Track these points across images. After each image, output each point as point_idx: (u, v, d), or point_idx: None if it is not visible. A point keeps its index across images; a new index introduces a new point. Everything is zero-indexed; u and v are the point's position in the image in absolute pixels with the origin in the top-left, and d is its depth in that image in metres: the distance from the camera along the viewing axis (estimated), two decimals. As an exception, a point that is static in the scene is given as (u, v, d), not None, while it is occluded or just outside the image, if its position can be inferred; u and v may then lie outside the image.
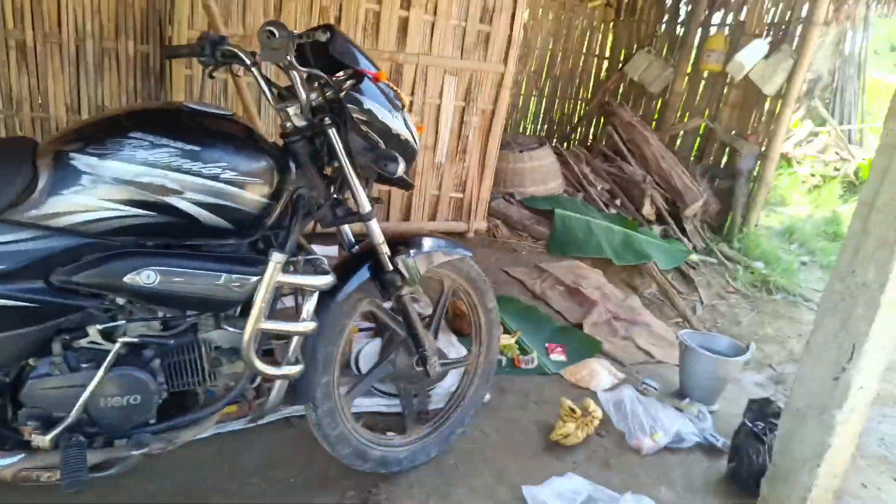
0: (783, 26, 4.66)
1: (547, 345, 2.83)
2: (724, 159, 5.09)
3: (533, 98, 6.63)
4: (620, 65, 6.09)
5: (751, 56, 4.58)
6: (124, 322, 1.39)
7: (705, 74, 5.26)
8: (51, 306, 1.29)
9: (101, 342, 1.37)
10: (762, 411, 2.16)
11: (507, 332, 2.79)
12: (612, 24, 6.33)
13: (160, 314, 1.44)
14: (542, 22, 6.31)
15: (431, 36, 3.51)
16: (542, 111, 6.70)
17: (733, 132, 4.97)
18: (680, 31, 5.60)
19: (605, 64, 6.45)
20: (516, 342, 2.74)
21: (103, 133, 1.30)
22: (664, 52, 5.69)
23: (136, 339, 1.38)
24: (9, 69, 2.94)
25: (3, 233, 1.24)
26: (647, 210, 4.64)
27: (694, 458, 2.24)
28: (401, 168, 1.48)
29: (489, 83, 3.75)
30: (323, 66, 1.55)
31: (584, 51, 6.55)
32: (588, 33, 6.50)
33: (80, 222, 1.28)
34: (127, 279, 1.30)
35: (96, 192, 1.27)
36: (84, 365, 1.35)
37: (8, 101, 2.99)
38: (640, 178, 4.80)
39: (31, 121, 3.05)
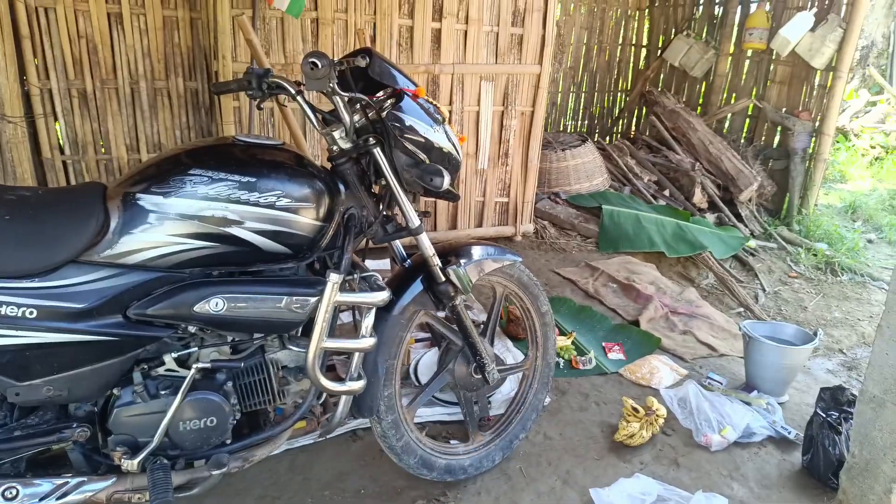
0: (829, -4, 4.48)
1: (604, 344, 2.80)
2: (777, 139, 4.93)
3: (571, 94, 6.58)
4: (659, 52, 5.97)
5: (796, 30, 4.42)
6: (197, 349, 1.46)
7: (749, 53, 5.11)
8: (130, 339, 1.38)
9: (177, 369, 1.45)
10: (835, 400, 2.08)
11: (562, 333, 2.78)
12: (646, 10, 6.22)
13: (229, 339, 1.51)
14: (574, 16, 6.25)
15: (465, 44, 3.55)
16: (581, 106, 6.64)
17: (783, 110, 4.80)
18: (718, 11, 5.46)
19: (643, 52, 6.34)
20: (572, 343, 2.73)
21: (165, 173, 1.38)
22: (703, 35, 5.55)
23: (208, 365, 1.46)
24: (73, 116, 3.14)
25: (82, 273, 1.33)
26: (699, 198, 4.53)
27: (766, 452, 2.18)
28: (446, 181, 1.51)
29: (526, 85, 3.75)
30: (363, 86, 1.60)
31: (620, 41, 6.46)
32: (623, 23, 6.41)
33: (151, 258, 1.36)
34: (197, 308, 1.37)
35: (163, 229, 1.34)
36: (163, 392, 1.43)
37: (74, 146, 3.19)
38: (688, 165, 4.69)
39: (95, 163, 3.25)
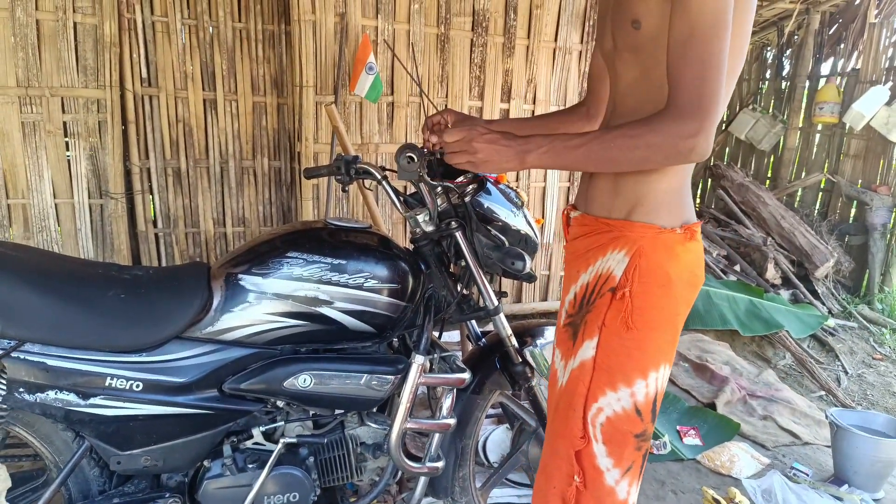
0: (902, 70, 4.41)
1: (678, 427, 2.70)
2: (852, 214, 4.76)
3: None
4: (724, 125, 5.97)
5: (870, 104, 4.35)
6: (283, 423, 1.52)
7: (819, 127, 5.04)
8: (223, 412, 1.45)
9: (264, 443, 1.50)
10: (942, 501, 1.91)
11: (634, 414, 2.69)
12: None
13: (311, 414, 1.56)
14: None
15: (531, 123, 3.66)
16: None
17: (859, 184, 4.67)
18: (785, 85, 5.45)
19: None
20: (645, 425, 2.63)
21: (265, 255, 1.48)
22: (770, 109, 5.53)
23: (294, 439, 1.50)
24: (167, 192, 3.41)
25: (185, 349, 1.42)
26: (772, 274, 4.39)
27: (865, 555, 2.01)
28: (528, 265, 1.55)
29: (591, 161, 3.82)
30: (444, 171, 1.69)
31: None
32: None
33: (248, 335, 1.44)
34: (287, 384, 1.44)
35: (261, 308, 1.43)
36: (250, 465, 1.48)
37: (166, 220, 3.44)
38: (759, 240, 4.57)
39: (184, 236, 3.48)
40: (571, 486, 1.17)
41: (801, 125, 5.20)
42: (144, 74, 3.23)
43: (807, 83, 5.16)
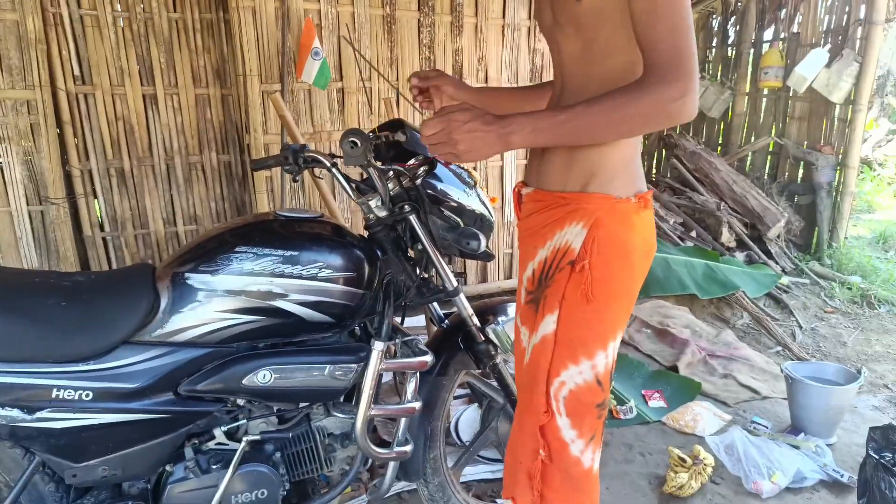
0: (841, 32, 4.54)
1: (643, 392, 2.76)
2: (800, 174, 4.91)
3: (588, 141, 6.67)
4: (673, 95, 6.06)
5: (811, 66, 4.47)
6: (245, 421, 1.49)
7: (765, 92, 5.16)
8: (181, 415, 1.40)
9: (227, 442, 1.47)
10: (887, 439, 2.00)
11: (600, 383, 2.74)
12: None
13: (275, 409, 1.53)
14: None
15: (484, 102, 3.65)
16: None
17: (805, 145, 4.81)
18: (731, 52, 5.55)
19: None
20: (611, 392, 2.68)
21: (212, 251, 1.43)
22: (718, 76, 5.63)
23: (258, 436, 1.47)
24: (112, 194, 3.28)
25: (135, 354, 1.37)
26: (727, 238, 4.50)
27: (819, 497, 2.11)
28: (482, 244, 1.54)
29: (545, 137, 3.83)
30: (394, 154, 1.66)
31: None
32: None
33: (200, 335, 1.40)
34: (245, 381, 1.40)
35: (212, 306, 1.39)
36: (214, 466, 1.45)
37: (113, 222, 3.32)
38: (713, 206, 4.68)
39: (134, 238, 3.37)
40: (536, 460, 1.19)
41: (747, 91, 5.32)
42: (77, 72, 3.09)
43: (751, 49, 5.27)
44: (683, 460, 2.14)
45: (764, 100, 5.22)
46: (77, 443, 1.33)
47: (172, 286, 1.39)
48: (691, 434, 2.47)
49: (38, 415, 1.29)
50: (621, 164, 1.13)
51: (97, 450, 1.35)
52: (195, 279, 1.39)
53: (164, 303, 1.38)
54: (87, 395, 1.32)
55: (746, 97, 5.33)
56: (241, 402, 1.48)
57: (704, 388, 2.80)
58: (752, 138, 5.29)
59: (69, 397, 1.30)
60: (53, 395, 1.29)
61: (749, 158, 5.32)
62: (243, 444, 1.44)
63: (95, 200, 3.29)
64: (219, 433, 1.47)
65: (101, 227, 3.33)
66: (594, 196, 1.12)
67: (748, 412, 2.66)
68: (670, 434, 2.49)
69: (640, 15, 0.99)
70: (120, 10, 3.13)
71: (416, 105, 1.47)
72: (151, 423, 1.38)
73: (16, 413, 1.27)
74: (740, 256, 4.38)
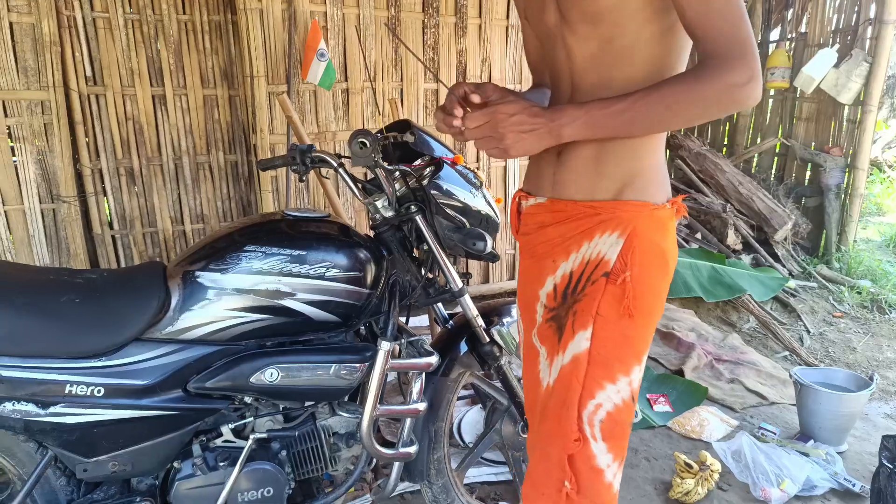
0: (850, 31, 4.52)
1: (648, 396, 2.76)
2: (808, 176, 4.89)
3: (595, 142, 6.68)
4: (680, 97, 6.06)
5: (819, 67, 4.45)
6: (252, 419, 1.50)
7: (772, 93, 5.14)
8: (190, 412, 1.42)
9: (234, 440, 1.48)
10: (900, 447, 1.99)
11: (605, 385, 2.74)
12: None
13: (281, 408, 1.55)
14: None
15: (490, 104, 3.66)
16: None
17: (812, 147, 4.79)
18: (737, 54, 5.54)
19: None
20: (617, 395, 2.69)
21: (222, 250, 1.45)
22: (724, 79, 5.62)
23: (265, 434, 1.49)
24: (121, 193, 3.31)
25: (146, 351, 1.39)
26: (732, 240, 4.49)
27: (830, 505, 2.09)
28: (488, 244, 1.55)
29: (552, 139, 3.83)
30: (401, 154, 1.67)
31: (640, 89, 6.58)
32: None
33: (210, 332, 1.41)
34: (253, 379, 1.42)
35: (221, 304, 1.40)
36: (221, 463, 1.46)
37: (122, 221, 3.35)
38: (718, 208, 4.67)
39: (142, 236, 3.40)
40: (561, 491, 1.07)
41: (754, 92, 5.30)
42: (89, 73, 3.13)
43: (757, 49, 5.25)
44: (690, 466, 2.13)
45: (770, 100, 5.19)
46: (89, 438, 1.35)
47: (183, 284, 1.41)
48: (698, 439, 2.46)
49: (52, 409, 1.31)
50: (655, 168, 1.07)
51: (108, 445, 1.37)
52: (205, 277, 1.41)
53: (174, 301, 1.40)
54: (99, 391, 1.34)
55: (754, 99, 5.31)
56: (248, 399, 1.50)
57: (711, 392, 2.79)
58: (759, 139, 5.27)
59: (82, 393, 1.32)
60: (66, 391, 1.31)
61: (755, 160, 5.30)
62: (250, 441, 1.46)
63: (105, 199, 3.32)
64: (226, 430, 1.48)
65: (111, 226, 3.37)
66: (631, 204, 1.03)
67: (756, 418, 2.65)
68: (676, 439, 2.48)
69: (690, 3, 0.91)
70: (131, 12, 3.16)
71: (451, 129, 1.08)
72: (161, 419, 1.39)
73: (30, 407, 1.29)
74: (747, 259, 4.37)
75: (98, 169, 3.25)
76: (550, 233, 1.12)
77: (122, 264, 3.36)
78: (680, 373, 2.97)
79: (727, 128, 5.60)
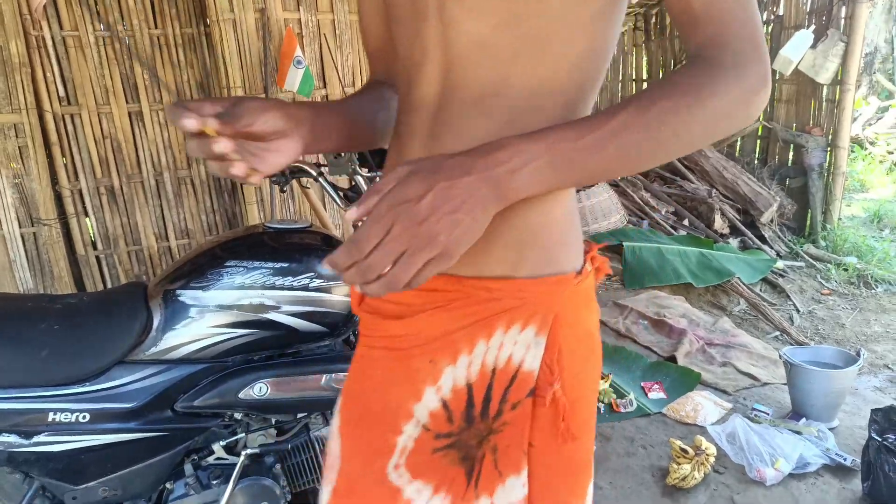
0: (825, 12, 4.55)
1: (642, 384, 2.77)
2: (791, 157, 4.93)
3: (578, 134, 6.70)
4: (659, 85, 6.09)
5: (796, 48, 4.48)
6: (244, 434, 1.49)
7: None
8: (179, 432, 1.41)
9: (227, 457, 1.47)
10: (889, 420, 2.01)
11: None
12: (643, 45, 6.38)
13: (273, 421, 1.54)
14: (572, 61, 6.41)
15: (470, 102, 3.65)
16: (589, 145, 6.74)
17: (794, 128, 4.82)
18: (714, 39, 5.57)
19: (644, 86, 6.47)
20: (610, 386, 2.69)
21: (202, 267, 1.44)
22: (702, 64, 5.65)
23: (257, 449, 1.48)
24: (103, 212, 3.28)
25: (130, 373, 1.38)
26: (719, 224, 4.52)
27: (824, 481, 2.11)
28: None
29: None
30: (380, 160, 1.67)
31: (621, 77, 6.60)
32: (620, 59, 6.56)
33: (194, 350, 1.40)
34: (242, 395, 1.40)
35: (205, 321, 1.39)
36: (214, 481, 1.45)
37: (105, 240, 3.32)
38: (704, 193, 4.70)
39: (127, 255, 3.37)
40: None
41: (733, 76, 5.33)
42: (62, 93, 3.09)
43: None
44: (685, 451, 2.14)
45: (750, 85, 5.23)
46: (76, 465, 1.34)
47: (164, 304, 1.40)
48: (692, 424, 2.47)
49: (36, 439, 1.29)
50: (566, 220, 0.72)
51: (96, 471, 1.36)
52: (187, 296, 1.39)
53: (156, 321, 1.38)
54: (84, 417, 1.32)
55: (733, 83, 5.34)
56: (238, 415, 1.48)
57: (704, 377, 2.81)
58: (741, 124, 5.30)
59: (66, 420, 1.31)
60: (50, 419, 1.29)
61: (738, 144, 5.34)
62: (242, 457, 1.45)
63: (87, 219, 3.29)
64: (218, 448, 1.47)
65: (94, 246, 3.33)
66: (545, 281, 0.69)
67: (748, 399, 2.66)
68: (671, 425, 2.49)
69: None
70: (102, 29, 3.13)
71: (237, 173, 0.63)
72: (150, 441, 1.38)
73: (13, 438, 1.27)
74: (734, 243, 4.39)
75: (78, 189, 3.22)
76: (423, 321, 0.72)
77: (108, 284, 3.33)
78: (672, 359, 2.99)
79: (708, 113, 5.64)
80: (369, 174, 1.56)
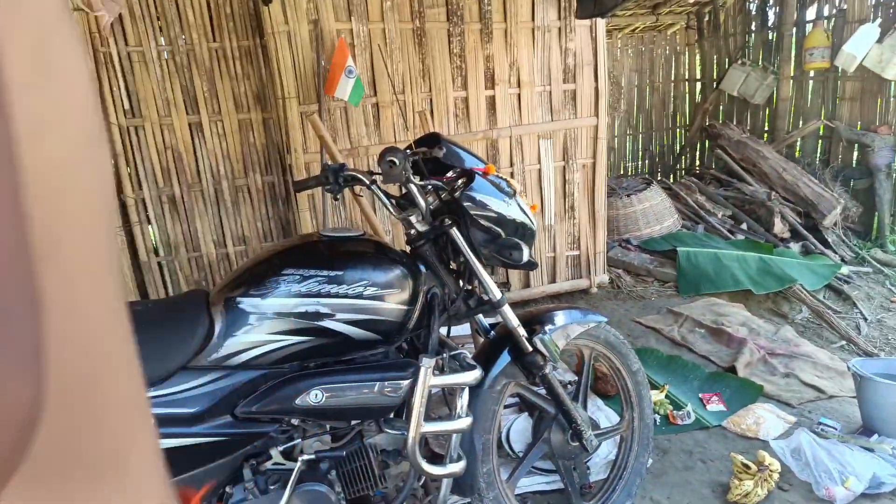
0: (892, 4, 4.32)
1: (700, 395, 2.67)
2: (855, 158, 4.70)
3: (628, 136, 6.56)
4: (715, 84, 5.91)
5: (861, 44, 4.28)
6: (300, 440, 1.51)
7: (812, 74, 4.96)
8: (239, 437, 1.44)
9: (284, 462, 1.50)
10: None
11: (653, 387, 2.67)
12: (696, 44, 6.21)
13: (328, 427, 1.56)
14: (623, 61, 6.30)
15: (519, 107, 3.63)
16: (639, 147, 6.60)
17: (858, 127, 4.59)
18: (772, 36, 5.37)
19: (698, 86, 6.29)
20: (666, 397, 2.62)
21: (261, 275, 1.47)
22: (760, 61, 5.45)
23: (313, 455, 1.50)
24: (165, 220, 3.41)
25: (194, 379, 1.41)
26: (780, 228, 4.34)
27: (902, 503, 1.99)
28: (525, 254, 1.53)
29: (584, 137, 3.78)
30: (433, 167, 1.67)
31: (673, 78, 6.44)
32: (673, 59, 6.41)
33: (253, 357, 1.43)
34: (298, 401, 1.43)
35: (263, 328, 1.42)
36: (272, 486, 1.48)
37: (167, 247, 3.44)
38: (763, 196, 4.52)
39: (187, 261, 3.49)
40: None
41: (792, 74, 5.13)
42: (127, 106, 3.23)
43: (794, 30, 5.08)
44: (748, 466, 2.06)
45: (811, 82, 5.02)
46: (141, 468, 1.38)
47: (225, 311, 1.43)
48: (754, 438, 2.38)
49: (104, 442, 1.34)
50: None
51: (161, 473, 1.40)
52: (246, 303, 1.43)
53: (218, 328, 1.42)
54: (150, 421, 1.36)
55: (791, 81, 5.13)
56: (295, 421, 1.51)
57: (766, 388, 2.69)
58: (800, 123, 5.08)
59: (133, 424, 1.35)
60: (117, 423, 1.34)
61: (798, 144, 5.12)
62: (299, 463, 1.47)
63: (150, 227, 3.42)
64: (275, 453, 1.49)
65: (156, 252, 3.46)
66: None
67: (814, 413, 2.54)
68: (732, 439, 2.40)
69: None
70: (164, 44, 3.25)
71: None
72: (211, 446, 1.41)
73: (83, 441, 1.33)
74: (795, 247, 4.21)
75: (141, 198, 3.35)
76: None
77: (170, 289, 3.45)
78: (732, 370, 2.88)
79: (767, 113, 5.43)
80: (422, 182, 1.56)
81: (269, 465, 1.50)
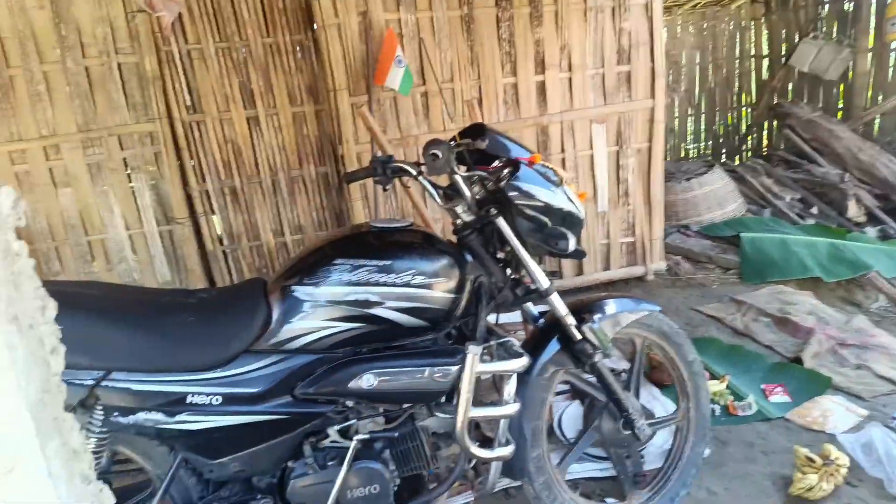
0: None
1: (763, 386, 2.58)
2: (940, 134, 4.38)
3: (689, 117, 6.34)
4: (783, 59, 5.61)
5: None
6: (356, 421, 1.57)
7: (893, 46, 4.64)
8: (298, 416, 1.51)
9: (340, 440, 1.56)
10: None
11: (713, 377, 2.60)
12: (762, 19, 5.91)
13: (381, 410, 1.61)
14: (683, 37, 6.08)
15: (571, 91, 3.57)
16: (702, 128, 6.36)
17: (944, 102, 4.28)
18: (849, 6, 5.04)
19: (765, 63, 5.99)
20: (727, 387, 2.54)
21: (313, 265, 1.53)
22: (834, 34, 5.14)
23: (367, 435, 1.55)
24: (227, 211, 3.56)
25: (254, 361, 1.49)
26: (854, 212, 4.11)
27: (984, 503, 1.87)
28: (571, 244, 1.52)
29: (640, 121, 3.68)
30: (478, 157, 1.68)
31: (738, 54, 6.17)
32: (738, 35, 6.13)
33: (309, 342, 1.49)
34: (351, 385, 1.48)
35: (317, 315, 1.48)
36: (330, 462, 1.55)
37: (230, 237, 3.60)
38: (836, 178, 4.29)
39: (249, 250, 3.63)
40: None
41: (871, 46, 4.80)
42: (188, 102, 3.37)
43: (873, 0, 4.75)
44: (812, 460, 1.98)
45: (892, 55, 4.69)
46: (211, 442, 1.47)
47: (282, 298, 1.50)
48: (820, 431, 2.28)
49: (178, 417, 1.44)
50: None
51: (228, 448, 1.49)
52: (300, 291, 1.49)
53: (276, 314, 1.49)
54: (217, 400, 1.45)
55: (870, 54, 4.81)
56: (350, 403, 1.56)
57: (835, 380, 2.57)
58: (880, 99, 4.77)
59: (202, 402, 1.44)
60: (189, 401, 1.43)
61: (877, 122, 4.81)
62: (354, 442, 1.53)
63: (214, 217, 3.58)
64: (332, 432, 1.56)
65: (221, 242, 3.62)
66: None
67: (888, 407, 2.41)
68: (796, 431, 2.31)
69: None
70: (220, 40, 3.37)
71: None
72: (273, 423, 1.49)
73: (160, 416, 1.43)
74: (872, 232, 3.98)
75: (205, 190, 3.51)
76: None
77: (234, 276, 3.60)
78: (798, 361, 2.76)
79: (841, 89, 5.12)
80: (467, 173, 1.57)
81: (327, 443, 1.57)
